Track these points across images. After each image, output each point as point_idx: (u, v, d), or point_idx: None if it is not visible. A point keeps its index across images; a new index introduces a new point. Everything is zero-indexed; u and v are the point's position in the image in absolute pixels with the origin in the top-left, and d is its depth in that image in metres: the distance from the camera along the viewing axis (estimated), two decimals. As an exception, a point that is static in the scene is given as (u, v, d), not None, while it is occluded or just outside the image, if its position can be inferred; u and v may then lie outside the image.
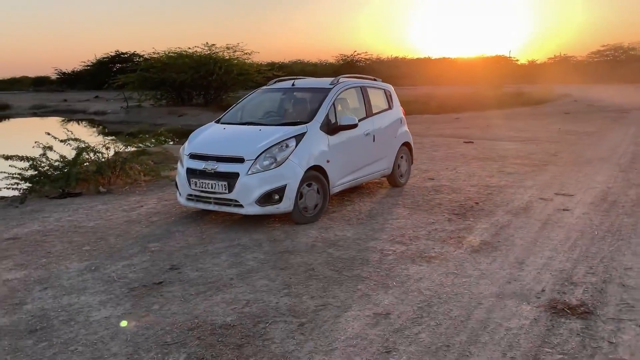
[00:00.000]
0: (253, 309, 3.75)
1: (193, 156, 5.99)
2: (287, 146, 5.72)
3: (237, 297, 3.98)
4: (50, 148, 8.94)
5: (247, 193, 5.55)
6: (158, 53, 31.64)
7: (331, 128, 6.25)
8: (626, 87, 52.32)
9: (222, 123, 6.75)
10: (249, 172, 5.56)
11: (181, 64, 29.90)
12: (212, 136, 6.34)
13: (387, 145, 7.43)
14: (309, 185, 5.82)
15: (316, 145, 5.95)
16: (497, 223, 5.86)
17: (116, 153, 9.16)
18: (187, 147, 6.18)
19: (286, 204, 5.62)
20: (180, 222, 6.12)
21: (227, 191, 5.60)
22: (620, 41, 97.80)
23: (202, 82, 30.57)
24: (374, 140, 7.01)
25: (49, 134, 9.07)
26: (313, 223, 5.91)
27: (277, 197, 5.58)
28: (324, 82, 7.07)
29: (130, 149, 9.41)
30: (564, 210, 6.39)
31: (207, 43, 30.35)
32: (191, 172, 5.90)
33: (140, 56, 57.77)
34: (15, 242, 5.52)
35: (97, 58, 62.53)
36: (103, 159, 8.75)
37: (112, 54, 61.70)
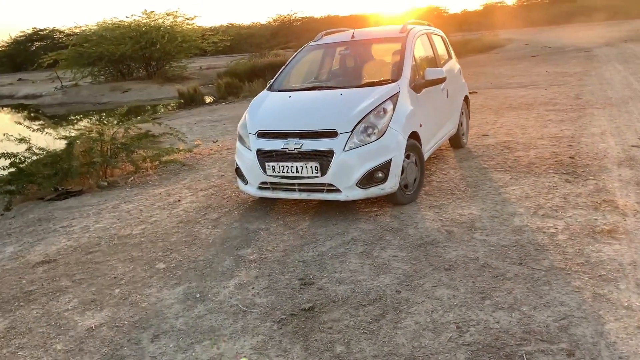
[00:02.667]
0: (481, 337, 2.73)
1: (264, 134, 4.78)
2: (384, 111, 4.62)
3: (435, 319, 2.96)
4: (27, 141, 7.43)
5: (346, 174, 4.45)
6: (81, 27, 28.86)
7: (418, 84, 5.18)
8: (561, 28, 53.46)
9: (280, 90, 5.50)
10: (346, 148, 4.44)
11: (119, 36, 27.36)
12: (280, 108, 5.12)
13: (455, 100, 6.45)
14: (407, 156, 4.77)
15: (410, 107, 4.88)
16: (623, 178, 5.06)
17: (112, 139, 7.69)
18: (251, 124, 4.94)
19: (392, 183, 4.57)
20: (250, 217, 4.97)
21: (318, 174, 4.47)
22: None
23: (144, 54, 28.21)
24: (447, 96, 6.01)
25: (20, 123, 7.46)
26: (415, 202, 4.89)
27: (381, 175, 4.51)
28: (390, 30, 5.96)
29: (129, 131, 7.91)
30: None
31: (145, 10, 27.86)
32: (264, 155, 4.71)
33: (61, 32, 53.41)
34: (55, 267, 4.23)
35: (13, 37, 57.22)
36: (98, 147, 7.26)
37: (29, 32, 56.56)
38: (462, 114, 6.80)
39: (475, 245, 3.84)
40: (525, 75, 15.30)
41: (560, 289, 3.12)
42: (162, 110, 21.41)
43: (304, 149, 4.52)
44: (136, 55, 27.93)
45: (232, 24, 70.48)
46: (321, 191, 4.59)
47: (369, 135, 4.49)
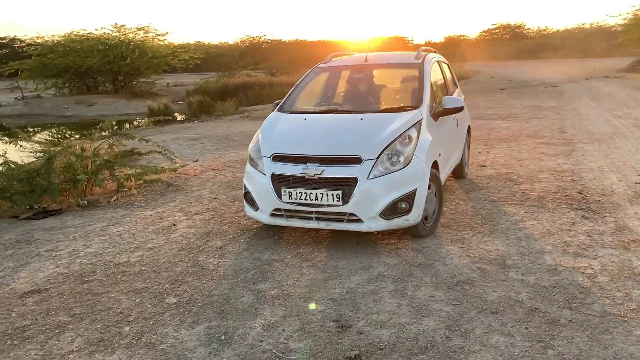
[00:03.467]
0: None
1: (280, 158, 4.48)
2: (409, 139, 4.40)
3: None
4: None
5: (370, 204, 4.18)
6: (44, 37, 27.90)
7: (436, 112, 4.99)
8: (522, 63, 55.32)
9: (292, 112, 5.21)
10: (371, 176, 4.18)
11: (87, 48, 26.58)
12: (296, 130, 4.83)
13: (462, 129, 6.31)
14: (428, 186, 4.54)
15: (431, 136, 4.68)
16: (640, 217, 4.96)
17: (95, 155, 7.22)
18: (265, 146, 4.63)
19: (416, 214, 4.33)
20: (259, 246, 4.63)
21: (340, 202, 4.18)
22: (507, 20, 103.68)
23: (112, 67, 27.47)
24: (457, 125, 5.85)
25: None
26: (434, 235, 4.66)
27: (405, 205, 4.26)
28: (404, 55, 5.78)
29: (112, 148, 7.43)
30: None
31: (115, 24, 27.22)
32: (280, 180, 4.39)
33: (22, 41, 51.64)
34: (47, 298, 3.77)
35: (-31, 45, 55.10)
36: (80, 164, 6.78)
37: (-13, 39, 54.56)
38: (464, 143, 6.66)
39: (515, 286, 3.61)
40: (501, 107, 15.51)
41: (624, 339, 2.91)
42: (130, 126, 20.72)
43: (325, 175, 4.23)
44: (104, 68, 27.19)
45: (199, 42, 69.95)
46: (341, 221, 4.29)
47: (394, 164, 4.24)
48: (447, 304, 3.40)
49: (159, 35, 29.03)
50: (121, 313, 3.49)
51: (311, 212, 4.35)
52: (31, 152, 7.77)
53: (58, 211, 6.51)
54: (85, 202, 6.79)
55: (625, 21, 37.45)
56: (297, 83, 5.67)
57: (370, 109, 5.01)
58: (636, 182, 6.22)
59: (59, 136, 18.77)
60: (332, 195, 4.20)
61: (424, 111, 4.75)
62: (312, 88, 5.76)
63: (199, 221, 5.52)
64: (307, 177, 4.28)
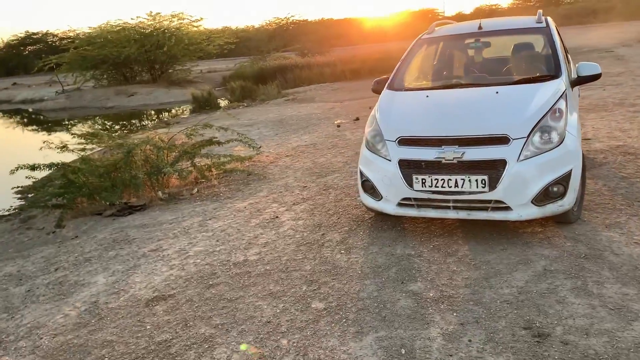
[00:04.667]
0: None
1: (408, 141, 4.00)
2: (560, 112, 3.85)
3: None
4: (74, 150, 6.61)
5: (521, 189, 3.67)
6: (75, 30, 27.85)
7: (572, 81, 4.42)
8: (562, 30, 53.19)
9: (407, 89, 4.72)
10: (521, 157, 3.66)
11: (124, 38, 26.38)
12: (421, 109, 4.33)
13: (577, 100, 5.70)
14: None
15: (575, 108, 4.12)
16: None
17: (172, 146, 6.85)
18: (386, 129, 4.15)
19: (570, 198, 3.81)
20: (385, 239, 4.24)
21: (486, 189, 3.69)
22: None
23: (149, 56, 27.25)
24: (579, 95, 5.25)
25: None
26: (584, 221, 4.14)
27: (559, 189, 3.73)
28: (523, 20, 5.20)
29: (192, 138, 7.07)
30: None
31: (150, 12, 26.95)
32: (410, 165, 3.91)
33: (55, 35, 52.16)
34: (176, 306, 3.46)
35: (5, 41, 55.79)
36: (163, 156, 6.44)
37: (22, 35, 55.17)
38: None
39: None
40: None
41: None
42: (177, 114, 20.49)
43: (465, 158, 3.73)
44: (141, 58, 26.97)
45: (226, 27, 69.52)
46: (485, 209, 3.80)
47: (547, 142, 3.72)
48: (652, 304, 2.89)
49: (193, 21, 28.62)
50: (269, 322, 3.10)
51: (448, 201, 3.88)
52: (100, 146, 7.47)
53: (142, 206, 6.19)
54: (166, 195, 6.46)
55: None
56: (403, 57, 5.15)
57: (500, 81, 4.48)
58: None
59: (109, 128, 18.64)
60: (477, 180, 3.71)
61: (565, 80, 4.19)
62: (422, 62, 5.24)
63: (302, 212, 5.11)
64: (444, 161, 3.79)
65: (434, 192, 3.87)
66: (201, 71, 36.01)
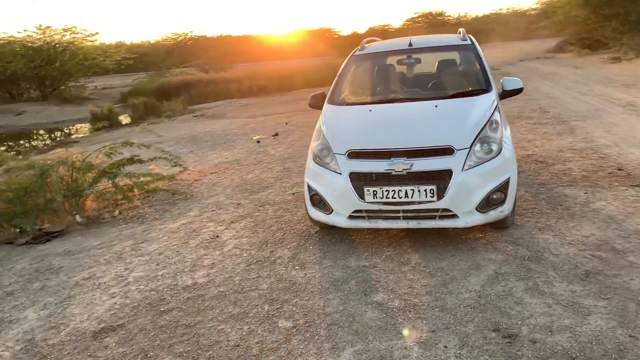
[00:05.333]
0: None
1: (357, 154, 4.06)
2: (496, 124, 4.11)
3: None
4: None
5: (466, 197, 3.86)
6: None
7: (500, 95, 4.74)
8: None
9: (347, 104, 4.79)
10: (465, 167, 3.86)
11: (9, 53, 24.50)
12: (368, 123, 4.41)
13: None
14: None
15: (505, 120, 4.42)
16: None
17: (88, 167, 6.46)
18: (335, 143, 4.19)
19: (509, 204, 4.06)
20: (337, 252, 4.26)
21: (434, 198, 3.84)
22: (429, 8, 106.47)
23: (39, 72, 25.50)
24: (499, 109, 5.63)
25: None
26: (518, 225, 4.43)
27: (499, 196, 3.98)
28: (449, 38, 5.47)
29: (111, 157, 6.69)
30: None
31: (40, 26, 25.27)
32: (361, 178, 3.97)
33: None
34: (130, 336, 3.24)
35: None
36: (84, 176, 6.05)
37: None
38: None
39: (647, 271, 3.39)
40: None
41: None
42: (75, 133, 19.29)
43: (414, 169, 3.85)
44: (29, 74, 25.12)
45: (120, 42, 66.78)
46: (433, 218, 3.94)
47: (487, 152, 3.94)
48: (596, 298, 3.14)
49: (87, 36, 27.20)
50: (237, 346, 2.98)
51: (398, 211, 3.97)
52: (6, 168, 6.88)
53: (60, 232, 5.74)
54: (84, 219, 6.04)
55: (538, 5, 39.18)
56: (339, 73, 5.22)
57: (436, 95, 4.68)
58: (662, 155, 6.25)
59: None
60: (426, 190, 3.84)
61: (495, 94, 4.47)
62: (357, 77, 5.35)
63: (243, 230, 4.99)
64: (393, 173, 3.88)
65: (384, 203, 3.93)
66: (96, 87, 34.27)
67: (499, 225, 4.30)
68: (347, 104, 4.79)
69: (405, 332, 2.95)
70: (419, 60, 5.42)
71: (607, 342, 2.70)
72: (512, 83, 4.77)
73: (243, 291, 3.68)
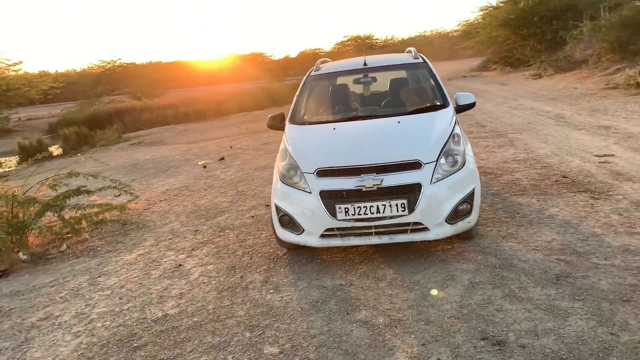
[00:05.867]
0: None
1: (326, 172, 4.05)
2: (458, 137, 4.24)
3: None
4: None
5: (436, 210, 3.94)
6: None
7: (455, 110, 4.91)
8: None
9: (311, 124, 4.80)
10: (433, 180, 3.94)
11: None
12: (333, 141, 4.42)
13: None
14: None
15: (463, 133, 4.58)
16: (641, 192, 5.29)
17: (30, 200, 6.12)
18: (303, 162, 4.17)
19: (475, 215, 4.18)
20: (310, 273, 4.20)
21: (406, 212, 3.89)
22: (358, 32, 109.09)
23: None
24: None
25: None
26: (482, 235, 4.56)
27: (466, 207, 4.09)
28: (401, 57, 5.61)
29: (56, 189, 6.36)
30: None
31: (-45, 55, 23.82)
32: (331, 196, 3.97)
33: None
34: None
35: None
36: (26, 211, 5.72)
37: None
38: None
39: (612, 271, 3.59)
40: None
41: None
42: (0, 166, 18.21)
43: (385, 184, 3.88)
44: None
45: (44, 71, 64.19)
46: (404, 232, 3.99)
47: (453, 164, 4.04)
48: (571, 300, 3.26)
49: (10, 65, 25.92)
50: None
51: (370, 227, 3.98)
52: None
53: (4, 272, 5.37)
54: (26, 256, 5.69)
55: (460, 27, 41.18)
56: (297, 93, 5.22)
57: (396, 112, 4.76)
58: (600, 162, 6.64)
59: None
60: (397, 205, 3.88)
61: (452, 109, 4.61)
62: (316, 97, 5.36)
63: (207, 257, 4.85)
64: (364, 189, 3.90)
65: (357, 220, 3.93)
66: (20, 119, 32.65)
67: (465, 236, 4.39)
68: (310, 123, 4.79)
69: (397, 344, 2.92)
70: (374, 79, 5.52)
71: (592, 342, 2.79)
72: (465, 98, 4.93)
73: (219, 319, 3.55)
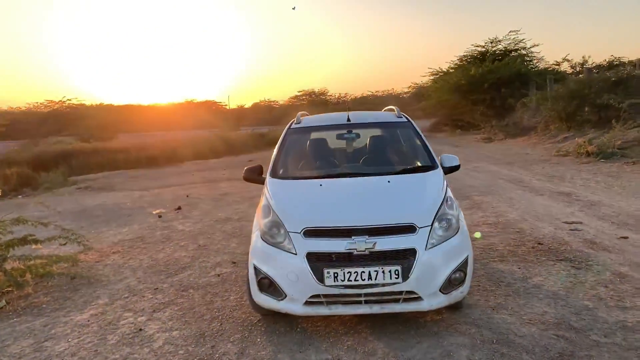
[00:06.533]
0: None
1: (314, 232, 3.75)
2: (450, 201, 4.06)
3: None
4: None
5: (431, 278, 3.70)
6: None
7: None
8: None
9: (294, 178, 4.52)
10: (428, 246, 3.71)
11: None
12: (321, 198, 4.13)
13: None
14: None
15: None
16: (621, 262, 5.25)
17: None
18: (288, 220, 3.85)
19: (468, 285, 3.96)
20: (290, 345, 3.84)
21: (399, 280, 3.62)
22: (312, 87, 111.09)
23: None
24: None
25: None
26: (470, 305, 4.34)
27: (459, 276, 3.86)
28: (385, 115, 5.49)
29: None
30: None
31: None
32: (319, 259, 3.66)
33: None
34: None
35: None
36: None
37: None
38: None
39: (616, 350, 3.43)
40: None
41: None
42: None
43: (377, 248, 3.62)
44: None
45: (-20, 110, 61.65)
46: (396, 301, 3.70)
47: (446, 230, 3.83)
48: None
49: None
50: None
51: (360, 295, 3.67)
52: None
53: None
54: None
55: (409, 89, 42.66)
56: (277, 146, 4.96)
57: (383, 171, 4.55)
58: (571, 229, 6.64)
59: None
60: (390, 271, 3.60)
61: (441, 171, 4.45)
62: (297, 150, 5.11)
63: (171, 321, 4.38)
64: (355, 252, 3.61)
65: (346, 287, 3.61)
66: (-47, 158, 30.81)
67: (454, 306, 4.13)
68: (293, 178, 4.50)
69: None
70: (358, 135, 5.34)
71: None
72: (450, 160, 4.80)
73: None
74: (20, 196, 16.11)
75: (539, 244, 6.05)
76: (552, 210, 7.79)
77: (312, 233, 3.73)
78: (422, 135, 4.91)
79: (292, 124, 5.30)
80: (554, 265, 5.24)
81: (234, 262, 5.97)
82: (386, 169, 4.66)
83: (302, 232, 3.74)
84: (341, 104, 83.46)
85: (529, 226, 6.93)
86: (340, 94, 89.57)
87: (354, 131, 5.29)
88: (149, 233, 8.10)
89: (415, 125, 5.07)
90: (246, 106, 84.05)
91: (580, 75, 22.25)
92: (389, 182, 4.19)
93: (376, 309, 3.67)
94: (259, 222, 4.04)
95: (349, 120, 5.20)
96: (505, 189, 10.23)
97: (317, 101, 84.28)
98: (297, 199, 4.10)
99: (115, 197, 13.13)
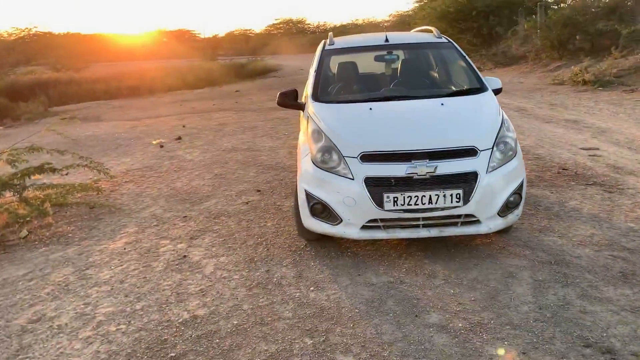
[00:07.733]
0: None
1: (372, 157, 3.63)
2: (507, 123, 3.96)
3: None
4: None
5: (490, 201, 3.64)
6: None
7: (484, 95, 4.63)
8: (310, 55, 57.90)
9: (338, 102, 4.34)
10: (489, 169, 3.64)
11: None
12: (377, 123, 3.96)
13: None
14: None
15: (503, 119, 4.31)
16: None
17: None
18: (343, 144, 3.70)
19: (521, 208, 3.92)
20: (347, 268, 3.78)
21: (460, 203, 3.56)
22: (289, 16, 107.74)
23: None
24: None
25: None
26: (515, 228, 4.32)
27: (516, 199, 3.82)
28: (424, 36, 5.24)
29: (15, 165, 5.50)
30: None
31: None
32: (379, 183, 3.56)
33: None
34: None
35: None
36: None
37: None
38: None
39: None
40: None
41: None
42: None
43: (439, 172, 3.52)
44: None
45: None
46: (455, 224, 3.66)
47: (506, 153, 3.74)
48: (655, 301, 3.04)
49: None
50: (309, 397, 2.38)
51: (418, 219, 3.60)
52: None
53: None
54: (-21, 244, 4.88)
55: (390, 17, 41.55)
56: (314, 68, 4.71)
57: (434, 93, 4.38)
58: (590, 155, 6.65)
59: None
60: (452, 195, 3.52)
61: (492, 93, 4.31)
62: (334, 73, 4.87)
63: (214, 247, 4.30)
64: (415, 177, 3.51)
65: (405, 211, 3.54)
66: None
67: (502, 230, 4.11)
68: (339, 102, 4.31)
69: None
70: (398, 57, 5.11)
71: None
72: (494, 83, 4.64)
73: (265, 322, 3.05)
74: (0, 127, 15.50)
75: (564, 169, 6.05)
76: (565, 137, 7.78)
77: (369, 158, 3.60)
78: (466, 57, 4.71)
79: (325, 44, 5.03)
80: (585, 189, 5.25)
81: (259, 190, 5.85)
82: (435, 91, 4.50)
83: (359, 157, 3.61)
84: (320, 33, 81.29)
85: (546, 152, 6.91)
86: (319, 22, 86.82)
87: (394, 52, 5.05)
88: (156, 162, 7.88)
89: (457, 46, 4.86)
90: (220, 35, 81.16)
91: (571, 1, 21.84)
92: (442, 104, 4.04)
93: (435, 232, 3.62)
94: (309, 147, 3.88)
95: (387, 41, 4.95)
96: (510, 116, 10.12)
97: (294, 30, 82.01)
98: (349, 123, 3.94)
99: (105, 127, 12.73)
